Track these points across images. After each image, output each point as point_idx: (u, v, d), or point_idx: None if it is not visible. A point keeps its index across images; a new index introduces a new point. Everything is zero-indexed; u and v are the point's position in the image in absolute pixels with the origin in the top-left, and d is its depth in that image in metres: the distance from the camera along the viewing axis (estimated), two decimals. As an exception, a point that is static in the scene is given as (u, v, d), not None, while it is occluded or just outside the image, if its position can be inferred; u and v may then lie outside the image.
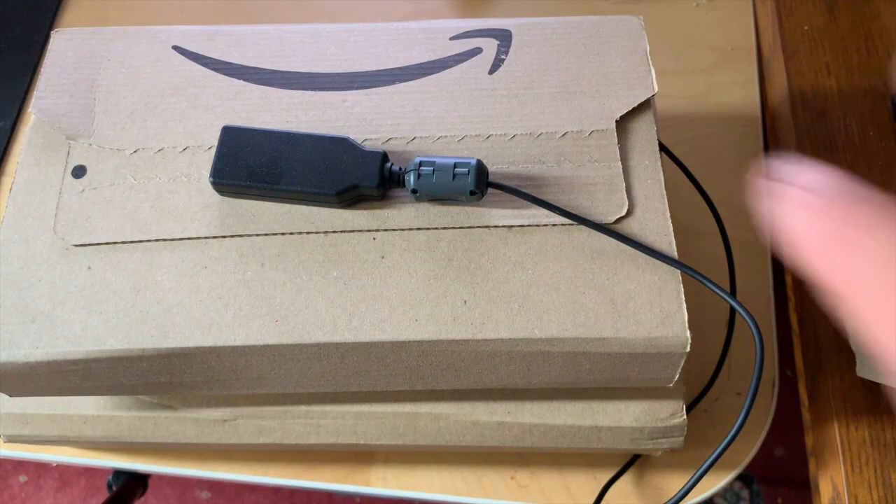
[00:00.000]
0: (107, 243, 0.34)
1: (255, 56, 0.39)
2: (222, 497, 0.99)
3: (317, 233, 0.34)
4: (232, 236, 0.34)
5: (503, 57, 0.39)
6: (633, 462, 0.44)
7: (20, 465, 1.03)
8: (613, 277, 0.33)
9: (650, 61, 0.38)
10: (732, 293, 0.43)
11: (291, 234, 0.34)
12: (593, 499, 0.43)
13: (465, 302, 0.32)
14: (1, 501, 1.00)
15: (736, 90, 0.54)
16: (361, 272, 0.33)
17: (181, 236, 0.34)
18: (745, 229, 0.49)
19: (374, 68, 0.38)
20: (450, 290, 0.33)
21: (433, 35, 0.39)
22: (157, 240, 0.34)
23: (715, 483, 0.44)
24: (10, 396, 0.36)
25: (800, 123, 0.49)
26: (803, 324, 0.46)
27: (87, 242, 0.34)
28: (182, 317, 0.32)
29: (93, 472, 1.02)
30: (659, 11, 0.58)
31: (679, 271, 0.33)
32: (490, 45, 0.39)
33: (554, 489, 0.44)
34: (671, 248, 0.33)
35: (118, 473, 0.73)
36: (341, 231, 0.34)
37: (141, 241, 0.34)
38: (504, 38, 0.39)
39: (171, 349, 0.32)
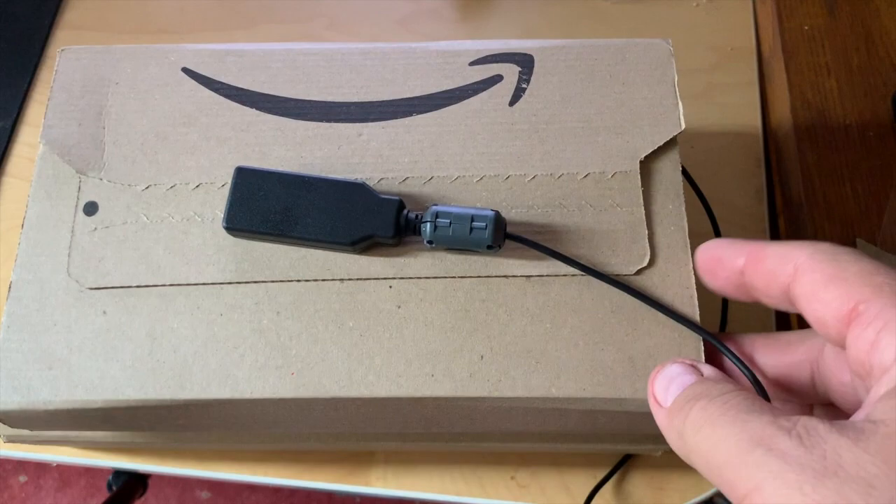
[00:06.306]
0: (121, 287, 0.32)
1: (268, 82, 0.36)
2: (222, 497, 0.95)
3: (332, 280, 0.32)
4: (247, 282, 0.31)
5: (524, 86, 0.35)
6: (623, 463, 0.42)
7: (20, 465, 0.98)
8: (633, 333, 0.31)
9: (678, 93, 0.35)
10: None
11: (307, 280, 0.31)
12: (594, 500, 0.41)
13: (481, 357, 0.31)
14: (1, 501, 0.95)
15: (736, 90, 0.51)
16: (377, 323, 0.31)
17: (196, 281, 0.32)
18: (744, 229, 0.47)
19: (391, 97, 0.35)
20: (466, 344, 0.31)
21: (452, 60, 0.36)
22: (171, 284, 0.32)
23: (715, 483, 0.43)
24: (31, 430, 0.35)
25: (800, 123, 0.46)
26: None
27: (102, 286, 0.32)
28: (198, 367, 0.30)
29: (93, 472, 0.97)
30: (659, 11, 0.54)
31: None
32: (511, 72, 0.36)
33: (554, 489, 0.42)
34: (692, 303, 0.31)
35: (118, 473, 0.69)
36: (357, 279, 0.32)
37: (156, 286, 0.32)
38: (526, 63, 0.36)
39: (188, 400, 0.31)
